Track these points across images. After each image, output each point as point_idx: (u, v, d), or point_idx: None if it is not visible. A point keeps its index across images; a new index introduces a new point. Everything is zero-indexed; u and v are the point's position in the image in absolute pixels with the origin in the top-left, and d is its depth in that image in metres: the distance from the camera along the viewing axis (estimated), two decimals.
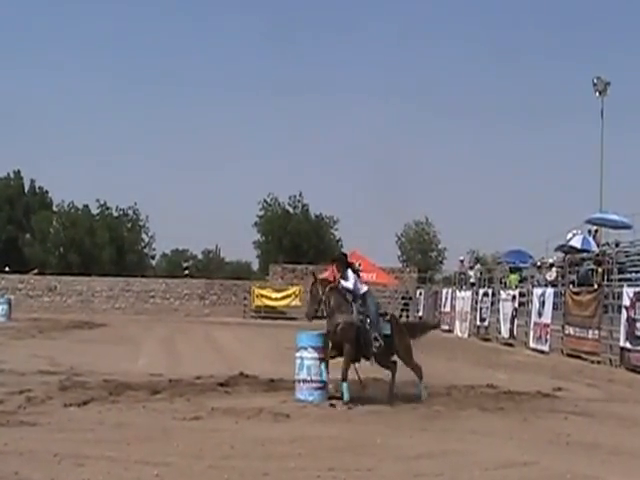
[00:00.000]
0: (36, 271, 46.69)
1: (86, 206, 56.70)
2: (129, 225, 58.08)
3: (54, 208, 57.89)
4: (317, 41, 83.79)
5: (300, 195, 57.01)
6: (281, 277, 43.94)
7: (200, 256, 73.70)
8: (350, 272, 11.20)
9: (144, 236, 58.63)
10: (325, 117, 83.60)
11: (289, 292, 39.33)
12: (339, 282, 11.09)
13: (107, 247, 54.96)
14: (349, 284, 11.06)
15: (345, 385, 10.58)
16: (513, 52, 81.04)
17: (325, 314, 11.03)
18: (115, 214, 57.34)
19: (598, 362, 17.93)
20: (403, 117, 79.99)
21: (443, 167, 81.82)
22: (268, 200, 56.63)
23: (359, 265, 39.46)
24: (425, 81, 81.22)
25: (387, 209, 68.31)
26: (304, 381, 10.75)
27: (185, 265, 51.53)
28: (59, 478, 6.37)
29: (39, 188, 59.61)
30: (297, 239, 54.68)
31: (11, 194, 57.59)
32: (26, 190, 59.11)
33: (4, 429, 8.21)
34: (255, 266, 62.75)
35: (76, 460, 6.91)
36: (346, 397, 10.48)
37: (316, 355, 10.78)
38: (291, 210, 57.12)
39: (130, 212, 57.56)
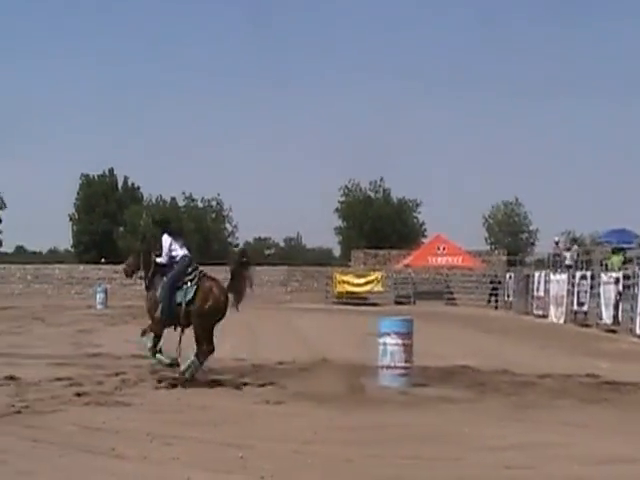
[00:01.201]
0: None
1: (173, 199, 58.91)
2: (213, 215, 59.63)
3: (144, 202, 60.22)
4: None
5: (381, 180, 56.87)
6: (363, 263, 43.84)
7: (282, 243, 74.47)
8: (165, 237, 10.89)
9: (227, 225, 60.18)
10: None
11: (371, 278, 39.14)
12: (154, 258, 10.98)
13: (193, 237, 56.52)
14: (162, 259, 10.84)
15: (151, 354, 10.69)
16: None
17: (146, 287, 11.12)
18: (200, 205, 59.07)
19: None
20: (482, 96, 77.83)
21: (534, 144, 79.31)
22: (349, 186, 56.68)
23: (443, 249, 39.70)
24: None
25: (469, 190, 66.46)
26: (387, 367, 10.65)
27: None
28: (151, 456, 6.60)
29: (131, 184, 61.93)
30: (379, 224, 54.48)
31: (106, 190, 60.42)
32: (119, 186, 61.49)
33: (102, 408, 8.73)
34: (337, 252, 62.99)
35: (166, 439, 7.16)
36: (165, 362, 10.61)
37: (399, 341, 10.64)
38: (372, 195, 56.97)
39: (214, 203, 59.23)
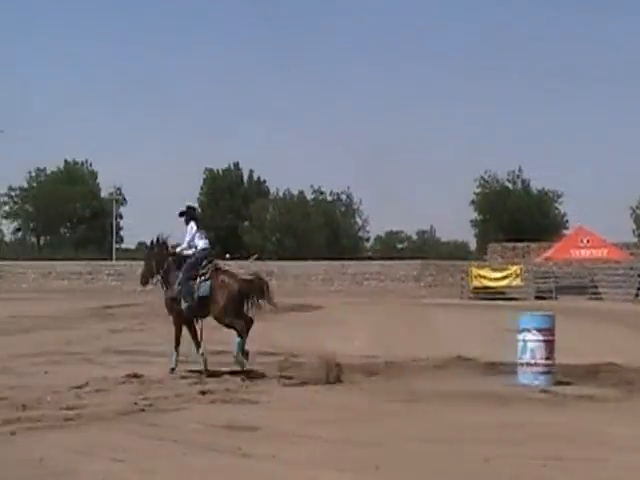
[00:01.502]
0: (256, 256, 49.02)
1: (301, 192, 59.53)
2: (343, 209, 59.92)
3: (270, 196, 61.20)
4: None
5: (519, 170, 55.70)
6: (501, 256, 42.98)
7: (414, 237, 74.13)
8: (192, 225, 11.33)
9: (358, 219, 60.34)
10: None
11: (509, 272, 38.29)
12: (177, 252, 11.42)
13: (321, 231, 56.98)
14: (182, 246, 11.35)
15: (174, 354, 11.11)
16: None
17: (162, 285, 11.54)
18: (329, 199, 59.48)
19: None
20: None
21: None
22: (485, 177, 55.81)
23: (587, 242, 38.32)
24: None
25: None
26: (528, 364, 10.41)
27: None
28: (279, 455, 6.56)
29: (257, 178, 63.06)
30: (517, 216, 53.35)
31: (231, 184, 61.63)
32: (245, 180, 62.72)
33: (228, 406, 8.80)
34: (472, 245, 62.16)
35: (294, 438, 7.16)
36: (172, 364, 11.01)
37: (541, 337, 10.36)
38: (510, 186, 55.87)
39: (343, 196, 59.52)
